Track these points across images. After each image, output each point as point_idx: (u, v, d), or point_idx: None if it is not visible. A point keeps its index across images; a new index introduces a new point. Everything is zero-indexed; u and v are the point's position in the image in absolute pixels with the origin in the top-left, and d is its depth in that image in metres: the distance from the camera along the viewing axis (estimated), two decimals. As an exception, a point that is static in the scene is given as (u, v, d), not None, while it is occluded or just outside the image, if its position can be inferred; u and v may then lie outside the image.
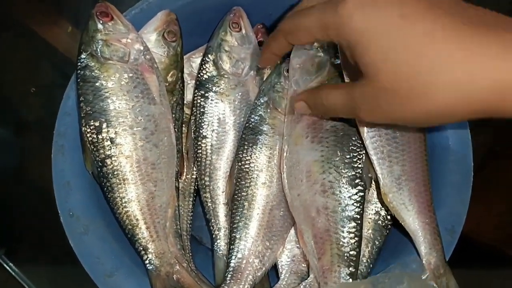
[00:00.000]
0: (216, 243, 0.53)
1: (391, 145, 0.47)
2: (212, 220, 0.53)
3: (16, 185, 0.65)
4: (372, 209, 0.50)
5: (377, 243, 0.50)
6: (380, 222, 0.50)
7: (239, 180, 0.52)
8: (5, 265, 0.57)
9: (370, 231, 0.50)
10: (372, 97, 0.33)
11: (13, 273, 0.57)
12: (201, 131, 0.54)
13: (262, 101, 0.54)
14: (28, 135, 0.69)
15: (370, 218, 0.50)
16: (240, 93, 0.55)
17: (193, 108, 0.55)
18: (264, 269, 0.50)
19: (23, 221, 0.63)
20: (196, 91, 0.55)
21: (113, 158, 0.48)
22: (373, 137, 0.47)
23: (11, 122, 0.70)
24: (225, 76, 0.54)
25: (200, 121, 0.54)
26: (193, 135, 0.55)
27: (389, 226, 0.51)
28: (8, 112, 0.70)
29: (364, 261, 0.50)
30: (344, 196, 0.47)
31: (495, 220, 0.67)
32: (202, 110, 0.54)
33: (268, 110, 0.53)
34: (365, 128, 0.47)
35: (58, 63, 0.70)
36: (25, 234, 0.62)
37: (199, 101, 0.55)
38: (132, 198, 0.48)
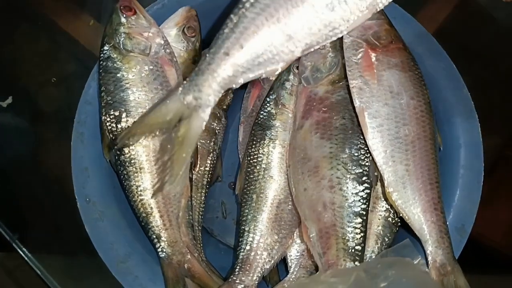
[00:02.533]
0: None
1: (393, 145, 0.48)
2: None
3: (32, 173, 0.67)
4: (383, 206, 0.52)
5: (386, 239, 0.51)
6: (390, 219, 0.52)
7: (248, 174, 0.54)
8: (18, 250, 0.59)
9: (380, 227, 0.51)
10: None
11: (26, 258, 0.59)
12: None
13: (271, 98, 0.56)
14: (44, 125, 0.71)
15: (380, 215, 0.52)
16: None
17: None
18: (272, 261, 0.52)
19: (37, 209, 0.65)
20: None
21: (130, 147, 0.50)
22: (374, 138, 0.48)
23: (29, 111, 0.72)
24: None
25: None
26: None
27: (399, 223, 0.52)
28: (25, 102, 0.73)
29: (374, 257, 0.51)
30: (352, 193, 0.48)
31: (503, 225, 0.67)
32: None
33: (277, 107, 0.55)
34: (368, 129, 0.48)
35: (79, 55, 0.72)
36: (39, 221, 0.64)
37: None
38: (148, 186, 0.50)
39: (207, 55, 0.40)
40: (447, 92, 0.54)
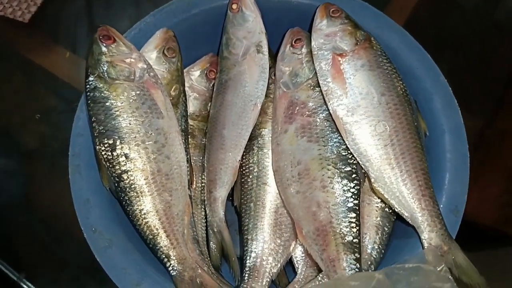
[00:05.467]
0: None
1: (372, 143, 0.53)
2: None
3: (29, 212, 0.69)
4: (378, 198, 0.56)
5: (386, 229, 0.56)
6: (387, 209, 0.56)
7: (242, 184, 0.59)
8: (26, 288, 0.62)
9: (378, 218, 0.56)
10: None
11: (36, 296, 0.62)
12: None
13: None
14: (33, 162, 0.73)
15: (377, 207, 0.56)
16: None
17: None
18: (279, 265, 0.56)
19: (40, 246, 0.67)
20: None
21: (129, 173, 0.53)
22: (352, 140, 0.53)
23: (15, 150, 0.74)
24: None
25: None
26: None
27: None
28: (9, 141, 0.75)
29: (376, 247, 0.55)
30: (344, 190, 0.53)
31: (492, 201, 0.73)
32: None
33: (260, 116, 0.60)
34: (345, 132, 0.53)
35: (58, 89, 0.75)
36: (44, 258, 0.67)
37: None
38: (150, 209, 0.53)
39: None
40: (425, 81, 0.59)
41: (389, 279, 0.47)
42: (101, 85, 0.55)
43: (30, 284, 0.62)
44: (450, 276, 0.49)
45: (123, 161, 0.53)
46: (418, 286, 0.46)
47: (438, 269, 0.49)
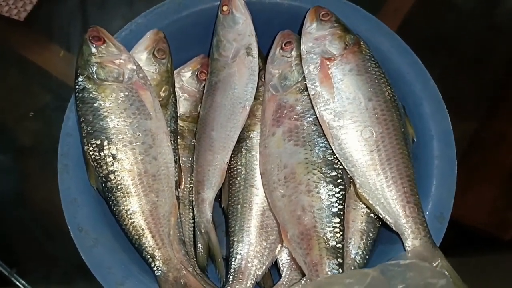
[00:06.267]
0: None
1: (358, 149, 0.53)
2: None
3: (21, 208, 0.71)
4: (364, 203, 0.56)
5: (371, 234, 0.57)
6: (372, 215, 0.57)
7: (230, 186, 0.60)
8: (17, 283, 0.63)
9: (363, 224, 0.56)
10: None
11: (26, 291, 0.63)
12: None
13: None
14: (27, 159, 0.75)
15: (363, 212, 0.57)
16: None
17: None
18: (264, 267, 0.57)
19: (32, 242, 0.69)
20: None
21: (116, 173, 0.54)
22: (338, 145, 0.54)
23: (9, 147, 0.76)
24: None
25: None
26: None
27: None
28: (5, 139, 0.76)
29: (360, 252, 0.56)
30: (329, 195, 0.53)
31: (487, 206, 0.73)
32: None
33: (249, 118, 0.60)
34: (331, 137, 0.53)
35: (52, 87, 0.76)
36: (35, 254, 0.68)
37: None
38: (137, 209, 0.54)
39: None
40: (414, 86, 0.59)
41: (384, 276, 0.47)
42: (90, 86, 0.56)
43: (21, 280, 0.63)
44: (446, 272, 0.48)
45: (110, 161, 0.54)
46: (413, 282, 0.46)
47: (434, 264, 0.49)
